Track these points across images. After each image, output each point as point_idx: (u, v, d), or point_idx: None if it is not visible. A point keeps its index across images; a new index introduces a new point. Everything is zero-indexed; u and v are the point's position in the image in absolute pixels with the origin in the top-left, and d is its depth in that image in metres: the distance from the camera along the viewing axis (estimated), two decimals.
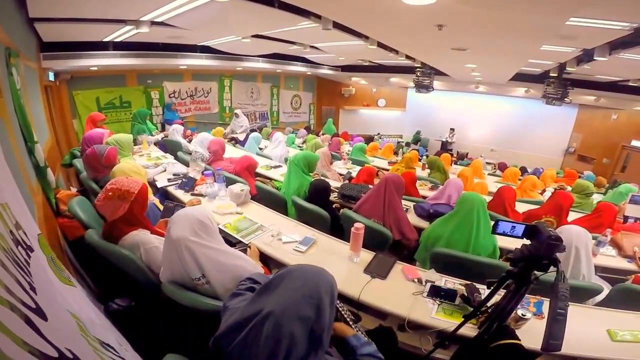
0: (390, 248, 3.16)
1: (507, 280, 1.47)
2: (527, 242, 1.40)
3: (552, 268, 1.33)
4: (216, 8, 4.01)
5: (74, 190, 3.98)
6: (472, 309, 1.77)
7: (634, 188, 5.99)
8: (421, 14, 3.68)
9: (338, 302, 1.56)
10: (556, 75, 8.30)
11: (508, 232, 1.41)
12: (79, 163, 4.07)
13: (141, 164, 4.51)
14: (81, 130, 7.67)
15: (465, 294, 2.18)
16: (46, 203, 2.93)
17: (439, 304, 2.25)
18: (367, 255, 2.73)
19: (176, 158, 5.50)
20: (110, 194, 2.18)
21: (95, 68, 7.55)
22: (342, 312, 1.68)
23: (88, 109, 8.24)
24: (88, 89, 8.43)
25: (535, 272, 1.37)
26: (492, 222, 1.47)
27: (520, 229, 1.38)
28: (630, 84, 8.27)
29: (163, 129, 8.53)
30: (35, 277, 1.08)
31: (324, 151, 5.79)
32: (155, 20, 4.99)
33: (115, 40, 6.65)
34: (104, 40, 6.68)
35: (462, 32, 4.58)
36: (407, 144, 14.21)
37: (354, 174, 5.78)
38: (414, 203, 4.19)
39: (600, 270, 3.19)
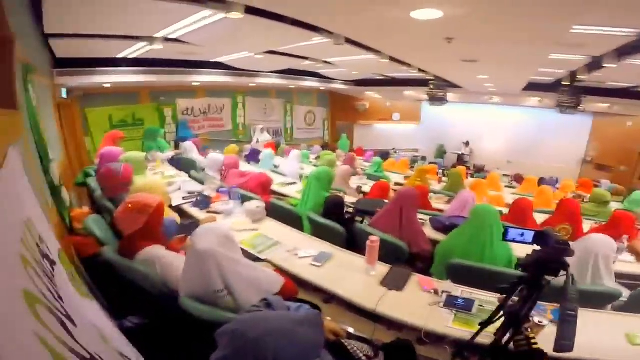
0: (406, 261, 3.16)
1: (520, 286, 1.48)
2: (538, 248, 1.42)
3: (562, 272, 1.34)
4: (229, 24, 4.07)
5: (86, 209, 4.05)
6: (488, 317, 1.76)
7: None
8: (430, 28, 3.73)
9: (346, 341, 1.56)
10: (568, 83, 8.27)
11: (518, 239, 1.44)
12: (92, 182, 4.10)
13: None
14: (93, 148, 7.76)
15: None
16: (61, 221, 2.97)
17: (455, 314, 2.24)
18: (383, 268, 2.74)
19: (190, 176, 5.52)
20: (130, 206, 2.27)
21: (109, 85, 7.63)
22: (352, 353, 1.66)
23: (100, 126, 8.34)
24: (100, 106, 8.50)
25: (547, 276, 1.38)
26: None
27: (529, 235, 1.42)
28: None
29: (177, 147, 8.55)
30: (60, 288, 1.13)
31: (345, 168, 5.82)
32: (169, 36, 5.08)
33: (129, 56, 6.72)
34: (117, 56, 6.77)
35: (470, 43, 4.63)
36: (423, 158, 14.19)
37: (365, 189, 5.81)
38: (430, 217, 4.18)
39: (618, 276, 3.13)
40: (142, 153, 4.84)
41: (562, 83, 8.52)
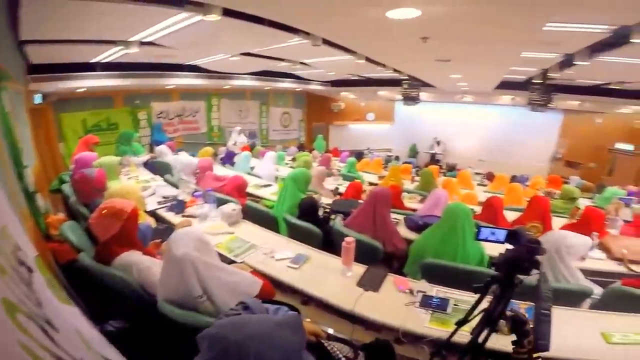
0: (381, 261, 3.19)
1: (493, 285, 1.49)
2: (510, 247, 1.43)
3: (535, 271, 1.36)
4: (206, 27, 4.03)
5: (61, 215, 3.97)
6: (463, 318, 1.77)
7: (619, 191, 6.08)
8: (406, 27, 3.76)
9: (327, 342, 1.56)
10: (540, 81, 8.49)
11: (490, 238, 1.45)
12: (67, 188, 4.06)
13: None
14: (68, 154, 7.60)
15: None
16: (37, 228, 2.94)
17: (431, 314, 2.27)
18: (359, 269, 2.75)
19: (165, 180, 5.43)
20: (104, 212, 2.25)
21: (83, 89, 7.48)
22: (333, 355, 1.66)
23: (75, 132, 8.17)
24: (75, 111, 8.31)
25: (519, 275, 1.40)
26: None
27: (501, 234, 1.43)
28: (612, 87, 8.45)
29: (152, 151, 8.44)
30: (39, 295, 1.12)
31: (320, 169, 5.84)
32: (144, 40, 5.02)
33: (104, 61, 6.61)
34: (92, 61, 6.67)
35: (445, 42, 4.68)
36: (397, 158, 14.31)
37: (341, 190, 5.84)
38: (405, 216, 4.22)
39: (590, 273, 3.19)
40: (116, 158, 4.77)
41: (534, 81, 8.73)
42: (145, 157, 6.95)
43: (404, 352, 2.22)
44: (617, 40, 4.04)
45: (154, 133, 10.01)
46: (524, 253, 1.33)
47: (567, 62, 5.76)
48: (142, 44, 5.20)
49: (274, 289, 2.32)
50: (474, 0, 3.04)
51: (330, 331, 2.68)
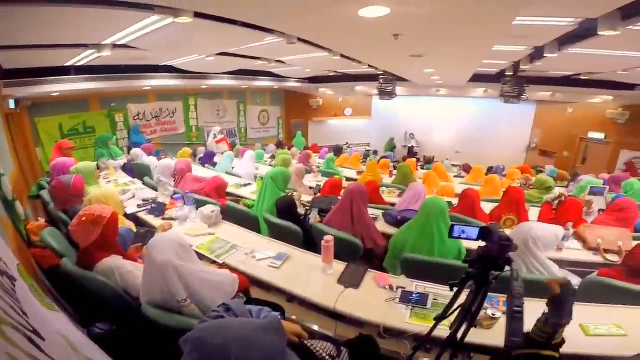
0: (362, 257, 3.23)
1: (468, 282, 1.52)
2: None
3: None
4: (179, 29, 3.98)
5: (42, 220, 3.92)
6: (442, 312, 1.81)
7: (595, 180, 6.23)
8: (378, 25, 3.78)
9: (309, 342, 1.59)
10: (512, 74, 8.61)
11: (463, 235, 1.47)
12: (46, 194, 4.03)
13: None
14: (45, 159, 7.48)
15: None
16: (18, 235, 2.95)
17: (411, 309, 2.31)
18: (339, 266, 2.79)
19: (144, 183, 5.44)
20: (84, 219, 2.28)
21: (57, 93, 7.34)
22: (317, 355, 1.69)
23: (51, 136, 8.03)
24: (50, 115, 8.15)
25: (493, 271, 1.42)
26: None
27: (472, 231, 1.44)
28: (581, 77, 8.65)
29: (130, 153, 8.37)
30: (24, 304, 1.13)
31: (299, 167, 5.85)
32: (117, 43, 4.94)
33: (78, 64, 6.49)
34: (65, 65, 6.53)
35: (417, 39, 4.71)
36: (375, 152, 14.45)
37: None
38: (383, 211, 4.28)
39: (568, 264, 3.28)
40: (92, 163, 4.75)
41: (506, 74, 8.88)
42: (123, 159, 6.88)
43: (388, 345, 2.25)
44: (583, 32, 4.14)
45: (132, 135, 9.84)
46: (496, 251, 1.35)
47: (537, 54, 5.89)
48: (116, 46, 5.11)
49: (247, 281, 2.48)
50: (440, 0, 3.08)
51: (315, 327, 2.72)
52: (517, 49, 5.84)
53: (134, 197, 4.61)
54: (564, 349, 1.93)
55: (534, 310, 1.37)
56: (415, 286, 2.57)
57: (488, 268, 1.41)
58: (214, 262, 2.92)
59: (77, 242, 2.34)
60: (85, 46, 5.10)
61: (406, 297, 2.40)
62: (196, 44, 5.73)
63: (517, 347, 1.18)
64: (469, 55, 6.35)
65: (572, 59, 5.77)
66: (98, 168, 5.10)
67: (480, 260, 1.43)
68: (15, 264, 1.43)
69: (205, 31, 4.41)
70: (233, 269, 2.59)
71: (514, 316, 1.18)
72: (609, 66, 6.71)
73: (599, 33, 3.61)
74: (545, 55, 5.26)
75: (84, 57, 5.88)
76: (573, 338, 2.01)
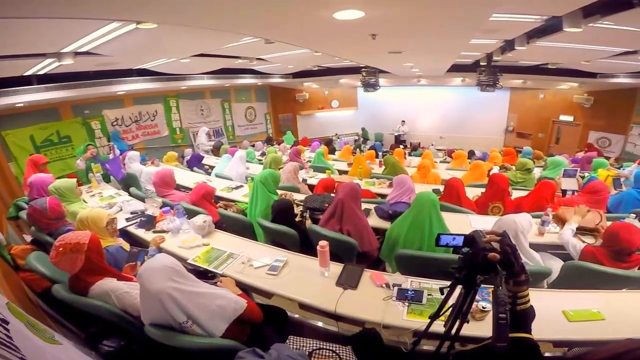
0: (358, 256, 3.29)
1: (457, 285, 1.58)
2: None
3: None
4: (144, 34, 3.83)
5: (28, 239, 3.79)
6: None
7: (562, 161, 6.49)
8: (354, 27, 3.78)
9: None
10: (486, 64, 9.11)
11: (451, 243, 1.52)
12: (24, 215, 3.76)
13: (95, 206, 4.36)
14: (20, 174, 7.12)
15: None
16: (3, 262, 2.87)
17: (408, 306, 2.40)
18: (336, 268, 2.83)
19: (130, 194, 5.18)
20: (61, 249, 2.17)
21: (22, 104, 7.01)
22: None
23: (23, 149, 7.73)
24: (18, 127, 7.78)
25: (479, 275, 1.46)
26: (443, 224, 1.56)
27: (459, 240, 1.49)
28: (549, 66, 9.48)
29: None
30: (24, 350, 1.10)
31: (293, 165, 5.76)
32: (79, 50, 4.67)
33: (39, 73, 6.10)
34: (25, 74, 6.16)
35: (394, 38, 4.79)
36: (364, 142, 14.73)
37: (312, 181, 6.00)
38: (375, 205, 4.30)
39: (551, 247, 3.41)
40: (72, 180, 4.32)
41: (481, 64, 9.36)
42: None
43: (390, 335, 2.36)
44: (548, 27, 4.43)
45: (112, 142, 9.48)
46: (480, 257, 1.39)
47: (507, 46, 6.26)
48: (78, 54, 4.84)
49: (260, 312, 2.25)
50: (410, 2, 3.10)
51: (320, 324, 2.92)
52: (490, 42, 6.16)
53: (121, 209, 4.42)
54: (549, 335, 2.06)
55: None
56: (410, 282, 2.64)
57: (474, 273, 1.46)
58: (213, 276, 2.79)
59: (64, 271, 2.25)
60: (44, 55, 4.86)
61: (402, 295, 2.48)
62: (166, 49, 5.59)
63: (504, 349, 1.25)
64: (445, 50, 6.57)
65: (540, 50, 6.26)
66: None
67: (466, 267, 1.48)
68: (4, 302, 1.39)
69: (175, 35, 4.30)
70: (244, 293, 2.38)
71: (499, 322, 1.23)
72: (573, 57, 7.40)
73: (564, 29, 3.89)
74: (515, 47, 5.61)
75: (45, 66, 5.58)
76: (556, 325, 2.15)
